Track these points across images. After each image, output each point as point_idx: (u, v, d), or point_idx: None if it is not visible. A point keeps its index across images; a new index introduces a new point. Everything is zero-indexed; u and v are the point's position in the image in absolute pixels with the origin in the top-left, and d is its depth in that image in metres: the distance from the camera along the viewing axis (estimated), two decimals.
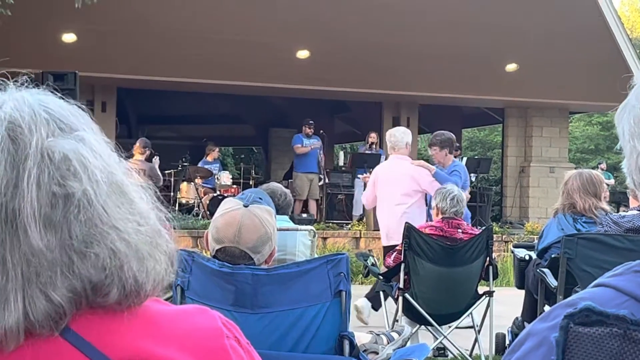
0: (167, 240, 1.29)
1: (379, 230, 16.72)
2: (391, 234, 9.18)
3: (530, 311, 7.64)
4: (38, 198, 1.15)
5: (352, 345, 3.68)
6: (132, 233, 1.21)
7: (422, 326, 7.98)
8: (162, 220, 1.30)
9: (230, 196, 4.07)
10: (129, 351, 1.18)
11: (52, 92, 1.28)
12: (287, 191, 6.68)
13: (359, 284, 12.86)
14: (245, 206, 3.46)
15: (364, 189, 18.30)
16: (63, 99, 1.28)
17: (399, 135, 9.71)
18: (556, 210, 6.90)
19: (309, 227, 6.80)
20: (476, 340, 8.00)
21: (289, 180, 18.84)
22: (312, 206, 18.76)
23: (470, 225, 8.07)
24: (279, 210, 6.46)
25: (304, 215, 17.73)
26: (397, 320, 7.83)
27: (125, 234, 1.20)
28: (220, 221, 3.45)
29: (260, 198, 3.63)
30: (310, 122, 18.55)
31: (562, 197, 6.86)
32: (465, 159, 20.46)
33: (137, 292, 1.21)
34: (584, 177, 6.87)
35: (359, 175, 18.46)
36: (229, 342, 1.28)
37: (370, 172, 18.00)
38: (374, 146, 18.77)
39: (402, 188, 9.32)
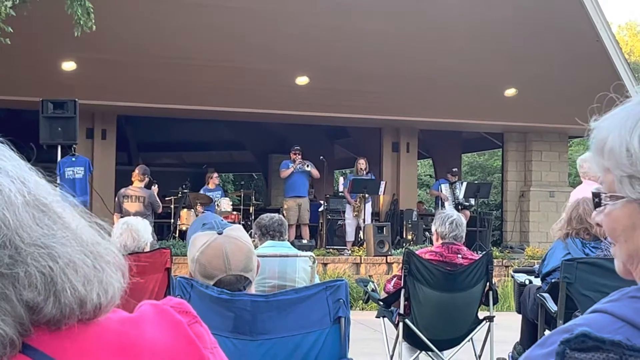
0: (109, 249, 1.30)
1: (379, 255, 16.80)
2: None
3: (528, 337, 7.62)
4: None
5: None
6: (58, 247, 1.22)
7: (423, 352, 7.96)
8: (102, 234, 1.32)
9: (232, 222, 4.08)
10: None
11: None
12: (283, 219, 6.73)
13: (360, 309, 12.84)
14: (220, 233, 3.46)
15: (354, 214, 18.42)
16: None
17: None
18: (567, 234, 6.85)
19: (309, 253, 6.80)
20: None
21: (280, 208, 18.85)
22: (305, 231, 18.71)
23: (468, 249, 8.05)
24: (282, 236, 6.48)
25: (304, 241, 17.70)
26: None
27: (50, 248, 1.20)
28: (203, 258, 3.42)
29: (221, 220, 3.66)
30: (296, 147, 18.49)
31: (574, 222, 6.81)
32: (465, 183, 20.46)
33: (80, 302, 1.21)
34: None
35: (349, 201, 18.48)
36: (192, 329, 1.31)
37: (361, 198, 18.20)
38: (361, 172, 18.74)
39: None
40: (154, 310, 1.31)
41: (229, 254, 3.37)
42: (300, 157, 18.33)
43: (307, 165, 18.31)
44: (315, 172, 18.48)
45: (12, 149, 1.31)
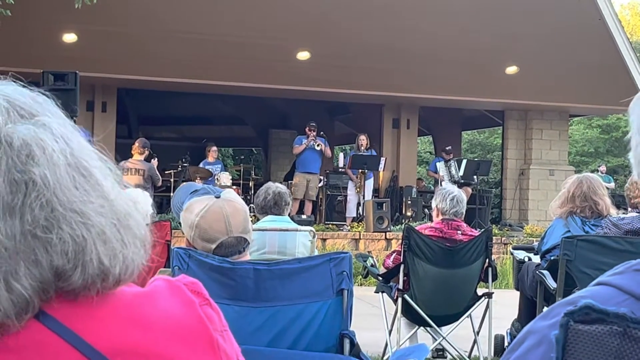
0: (139, 224, 1.28)
1: (378, 231, 16.81)
2: None
3: (526, 313, 7.64)
4: None
5: (353, 344, 3.68)
6: (94, 215, 1.19)
7: (421, 327, 7.98)
8: (135, 206, 1.29)
9: None
10: (110, 338, 1.19)
11: (14, 81, 1.27)
12: (288, 191, 6.73)
13: (358, 285, 12.88)
14: (217, 197, 3.48)
15: (356, 190, 18.45)
16: (26, 87, 1.27)
17: None
18: (570, 211, 6.85)
19: (309, 227, 6.80)
20: (475, 341, 8.00)
21: (289, 182, 18.83)
22: (308, 208, 18.74)
23: (468, 226, 8.06)
24: (280, 210, 6.48)
25: (304, 216, 17.71)
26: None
27: (86, 215, 1.18)
28: (204, 222, 3.43)
29: (213, 184, 3.68)
30: (312, 124, 18.52)
31: (578, 199, 6.81)
32: (465, 161, 20.46)
33: (103, 275, 1.20)
34: (596, 180, 6.91)
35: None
36: (203, 310, 1.29)
37: (361, 174, 18.20)
38: (362, 148, 18.77)
39: None
40: (167, 286, 1.30)
41: (229, 216, 3.38)
42: (314, 133, 18.35)
43: (318, 145, 18.33)
44: (327, 152, 18.58)
45: (58, 105, 1.29)
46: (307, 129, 18.51)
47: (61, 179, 1.17)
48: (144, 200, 6.45)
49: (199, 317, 1.28)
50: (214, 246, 3.43)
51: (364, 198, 18.17)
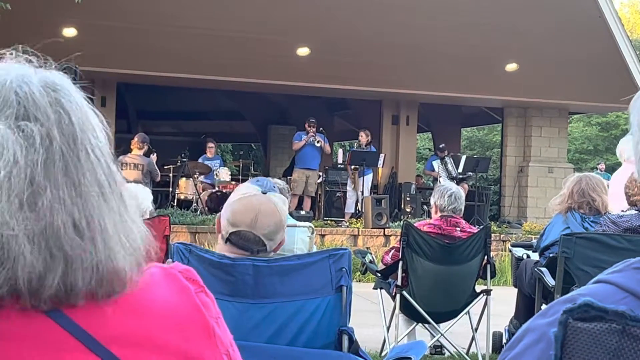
0: (145, 236, 1.28)
1: (376, 228, 16.81)
2: None
3: (524, 311, 7.64)
4: None
5: (352, 340, 3.68)
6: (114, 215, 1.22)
7: (419, 324, 7.99)
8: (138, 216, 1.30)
9: (229, 192, 4.06)
10: (108, 328, 1.20)
11: (73, 78, 1.30)
12: (287, 187, 6.72)
13: (357, 281, 12.87)
14: (264, 193, 3.48)
15: (354, 186, 18.47)
16: (86, 98, 1.29)
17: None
18: (568, 207, 6.88)
19: (308, 223, 6.80)
20: (473, 338, 8.01)
21: (288, 177, 18.84)
22: (307, 203, 18.75)
23: (467, 222, 8.06)
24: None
25: (302, 212, 17.72)
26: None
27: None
28: (237, 205, 3.45)
29: (274, 187, 3.67)
30: (312, 119, 18.54)
31: (576, 196, 6.84)
32: (464, 157, 20.46)
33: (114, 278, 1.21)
34: (596, 178, 6.96)
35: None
36: (198, 297, 1.30)
37: (354, 170, 18.19)
38: (362, 144, 18.80)
39: None
40: (163, 274, 1.31)
41: (260, 213, 3.39)
42: (314, 129, 18.37)
43: (318, 141, 18.35)
44: (327, 148, 18.63)
45: (102, 123, 1.31)
46: (306, 125, 18.53)
47: None
48: (144, 196, 6.46)
49: (194, 304, 1.28)
50: (232, 230, 3.43)
51: (362, 194, 18.19)
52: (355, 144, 19.81)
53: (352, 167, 18.49)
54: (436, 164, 20.29)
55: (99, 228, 1.20)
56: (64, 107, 1.23)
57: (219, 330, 1.31)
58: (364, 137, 18.84)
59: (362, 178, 18.42)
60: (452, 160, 20.01)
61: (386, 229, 16.88)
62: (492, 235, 8.52)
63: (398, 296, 7.59)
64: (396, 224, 16.91)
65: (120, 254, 1.22)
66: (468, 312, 7.84)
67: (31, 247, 1.14)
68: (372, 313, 9.25)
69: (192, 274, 1.34)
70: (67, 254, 1.17)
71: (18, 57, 1.29)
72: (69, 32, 17.20)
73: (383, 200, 17.41)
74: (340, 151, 20.99)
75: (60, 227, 1.16)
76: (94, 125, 1.27)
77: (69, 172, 1.20)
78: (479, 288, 7.87)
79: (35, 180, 1.16)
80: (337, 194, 18.95)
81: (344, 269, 3.71)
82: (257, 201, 3.43)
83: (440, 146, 20.67)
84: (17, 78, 1.23)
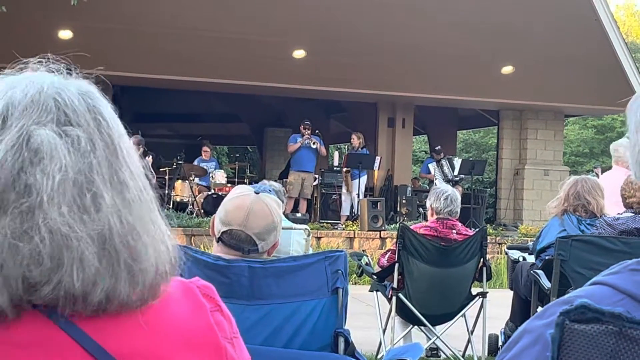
0: (170, 245, 1.28)
1: (372, 230, 16.81)
2: None
3: (520, 313, 7.64)
4: None
5: (348, 343, 3.68)
6: (75, 238, 1.17)
7: (416, 326, 7.98)
8: (166, 221, 1.30)
9: (225, 195, 4.07)
10: (121, 342, 1.19)
11: (97, 84, 1.34)
12: (283, 189, 6.72)
13: (353, 283, 12.87)
14: (257, 193, 3.49)
15: (347, 188, 18.45)
16: (104, 97, 1.32)
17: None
18: (564, 210, 6.89)
19: (304, 225, 6.80)
20: (469, 341, 8.00)
21: (284, 180, 18.84)
22: (303, 206, 18.76)
23: (463, 225, 8.06)
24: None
25: (298, 214, 17.71)
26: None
27: (67, 238, 1.15)
28: (230, 205, 3.48)
29: (269, 190, 3.68)
30: (306, 122, 18.53)
31: (572, 198, 6.85)
32: (460, 160, 20.47)
33: (74, 299, 1.17)
34: (592, 181, 6.96)
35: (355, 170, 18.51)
36: (213, 316, 1.29)
37: (347, 172, 18.18)
38: (355, 147, 18.81)
39: None
40: (182, 288, 1.30)
41: (251, 212, 3.41)
42: (309, 131, 18.36)
43: (314, 143, 18.35)
44: (322, 150, 18.60)
45: (122, 125, 1.31)
46: (301, 127, 18.52)
47: (57, 194, 1.16)
48: None
49: (208, 323, 1.27)
50: (224, 229, 3.45)
51: (358, 197, 18.19)
52: (348, 146, 19.82)
53: (344, 169, 18.49)
54: (432, 166, 20.30)
55: (143, 234, 1.22)
56: (102, 114, 1.25)
57: (233, 350, 1.30)
58: (355, 140, 18.87)
59: (357, 180, 18.42)
60: (448, 163, 20.02)
61: (382, 232, 16.88)
62: (488, 237, 8.52)
63: (394, 298, 7.59)
64: (392, 226, 16.91)
65: (156, 262, 1.22)
66: (464, 315, 7.83)
67: (92, 250, 1.16)
68: (368, 315, 9.25)
69: (211, 290, 1.33)
70: (121, 259, 1.18)
71: (44, 64, 1.30)
72: (65, 34, 17.19)
73: (379, 203, 17.41)
74: (336, 154, 21.00)
75: (114, 230, 1.18)
76: (123, 133, 1.29)
77: (112, 176, 1.21)
78: (475, 290, 7.87)
79: (89, 185, 1.18)
80: (333, 197, 18.95)
81: (340, 271, 3.71)
82: (249, 200, 3.45)
83: (436, 148, 20.68)
84: (53, 85, 1.25)
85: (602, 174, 25.01)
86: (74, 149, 1.19)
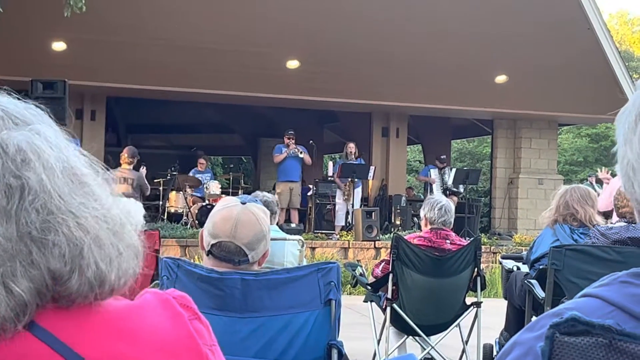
0: (132, 234, 1.30)
1: (367, 240, 16.81)
2: None
3: (514, 323, 7.64)
4: None
5: (341, 354, 3.68)
6: (90, 219, 1.21)
7: (410, 337, 7.97)
8: (129, 216, 1.31)
9: None
10: (100, 351, 1.19)
11: (8, 94, 1.31)
12: (276, 200, 6.71)
13: (347, 294, 12.86)
14: (243, 203, 3.49)
15: (344, 198, 18.45)
16: (19, 99, 1.30)
17: None
18: (554, 220, 6.90)
19: (298, 236, 6.79)
20: (464, 351, 7.99)
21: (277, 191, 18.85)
22: (294, 216, 18.76)
23: (457, 235, 8.06)
24: (271, 218, 6.46)
25: (293, 225, 17.71)
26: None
27: (82, 219, 1.20)
28: (217, 216, 3.47)
29: (255, 200, 3.68)
30: (290, 132, 18.50)
31: (561, 208, 6.87)
32: (454, 170, 20.49)
33: (100, 281, 1.21)
34: (582, 190, 6.97)
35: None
36: (192, 324, 1.30)
37: (350, 182, 18.18)
38: (352, 156, 18.81)
39: None
40: (157, 299, 1.30)
41: (239, 223, 3.40)
42: (293, 141, 18.34)
43: (300, 152, 18.33)
44: (307, 159, 18.53)
45: (50, 117, 1.31)
46: (285, 138, 18.49)
47: (57, 184, 1.20)
48: (137, 211, 6.44)
49: (188, 332, 1.28)
50: (213, 242, 3.44)
51: (352, 207, 18.18)
52: (342, 155, 19.78)
53: (349, 179, 18.42)
54: (434, 171, 20.32)
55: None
56: (37, 110, 1.30)
57: (214, 358, 1.30)
58: (353, 148, 18.83)
59: (352, 190, 18.41)
60: (449, 172, 20.07)
61: (376, 242, 16.88)
62: (483, 247, 8.53)
63: (388, 309, 7.58)
64: (386, 236, 16.90)
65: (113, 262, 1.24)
66: (458, 325, 7.82)
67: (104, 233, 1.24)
68: (362, 326, 9.24)
69: (187, 300, 1.34)
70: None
71: None
72: (59, 46, 17.19)
73: (373, 213, 17.41)
74: (330, 164, 20.99)
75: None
76: (71, 152, 1.29)
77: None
78: (469, 300, 7.86)
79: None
80: (328, 207, 18.94)
81: (332, 283, 3.72)
82: (236, 211, 3.45)
83: (442, 157, 20.71)
84: None
85: (596, 182, 25.00)
86: (49, 143, 1.23)
